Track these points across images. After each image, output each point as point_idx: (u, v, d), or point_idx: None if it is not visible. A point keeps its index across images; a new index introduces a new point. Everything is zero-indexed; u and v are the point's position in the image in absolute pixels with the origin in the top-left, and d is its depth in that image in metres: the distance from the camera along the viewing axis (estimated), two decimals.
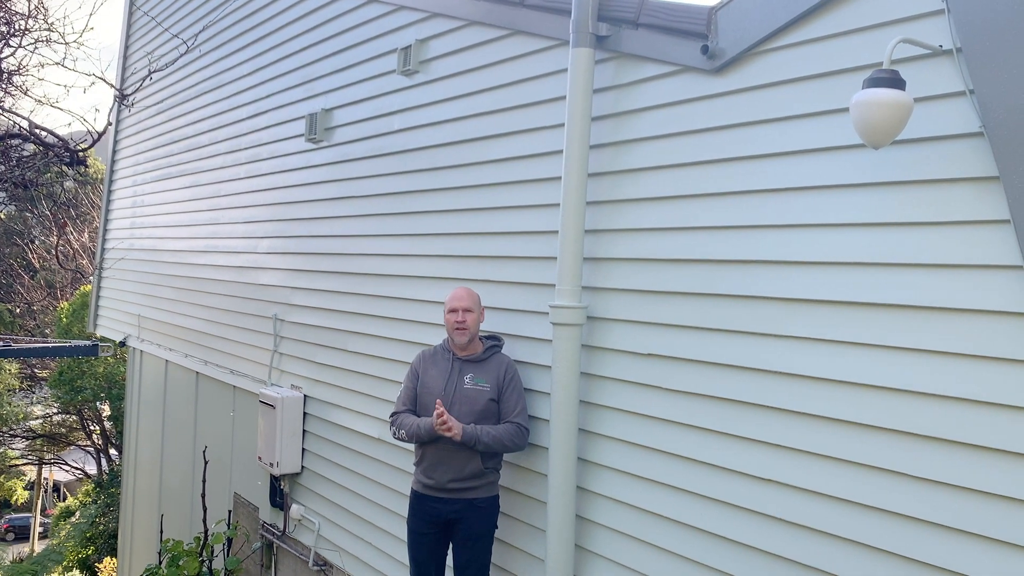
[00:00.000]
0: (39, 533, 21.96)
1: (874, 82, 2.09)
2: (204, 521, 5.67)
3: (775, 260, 2.62)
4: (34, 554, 18.27)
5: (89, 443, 19.64)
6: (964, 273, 2.17)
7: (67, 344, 9.90)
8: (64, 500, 23.96)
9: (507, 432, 3.37)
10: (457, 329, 3.49)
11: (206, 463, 6.03)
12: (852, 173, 2.41)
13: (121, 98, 7.01)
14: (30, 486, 24.41)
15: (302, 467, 5.31)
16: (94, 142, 5.84)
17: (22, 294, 20.37)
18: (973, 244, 2.15)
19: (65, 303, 17.76)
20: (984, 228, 2.13)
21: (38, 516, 22.49)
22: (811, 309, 2.51)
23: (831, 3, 2.47)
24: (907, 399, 2.27)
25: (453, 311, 3.50)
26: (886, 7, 2.33)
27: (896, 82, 2.08)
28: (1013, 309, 2.07)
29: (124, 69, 9.18)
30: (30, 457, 21.45)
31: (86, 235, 18.99)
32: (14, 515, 24.38)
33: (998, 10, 2.06)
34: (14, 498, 24.46)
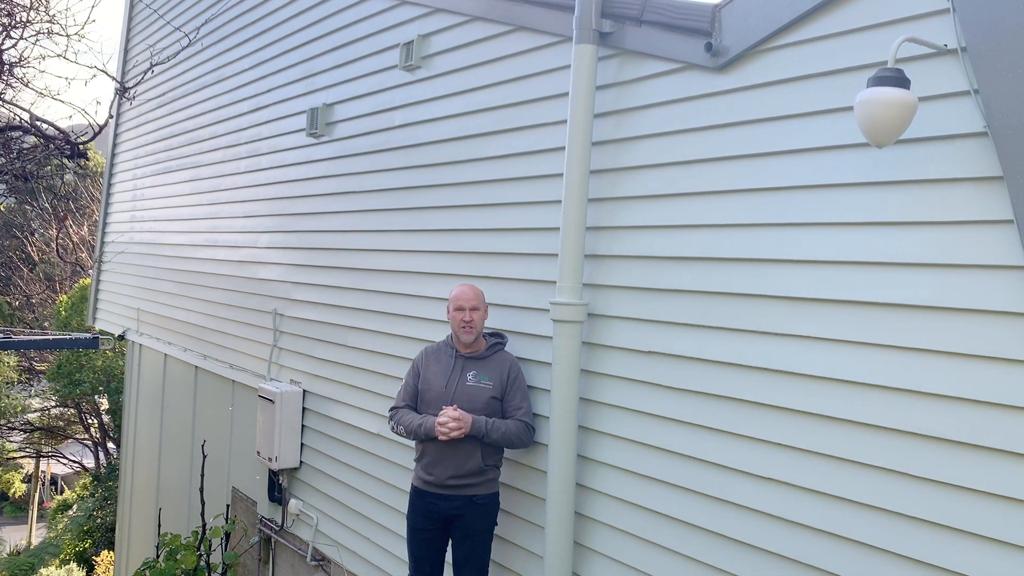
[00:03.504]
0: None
1: (879, 81, 2.08)
2: (202, 515, 5.67)
3: (777, 259, 2.62)
4: (31, 547, 18.26)
5: (87, 436, 19.63)
6: (967, 273, 2.16)
7: (67, 337, 9.89)
8: (62, 493, 23.95)
9: (516, 428, 3.38)
10: (463, 328, 3.49)
11: (204, 457, 6.02)
12: (855, 172, 2.41)
13: (122, 91, 6.99)
14: (28, 479, 24.40)
15: (301, 462, 5.31)
16: (95, 135, 5.83)
17: (21, 287, 20.34)
18: (976, 244, 2.14)
19: (64, 296, 17.74)
20: (987, 228, 2.12)
21: (35, 508, 22.48)
22: (813, 308, 2.51)
23: (835, 1, 2.46)
24: (909, 399, 2.27)
25: (460, 309, 3.49)
26: (891, 6, 2.33)
27: (901, 81, 2.07)
28: (1016, 309, 2.06)
29: (125, 62, 9.16)
30: (28, 450, 21.42)
31: (85, 228, 18.96)
32: None
33: (1003, 10, 2.05)
34: (11, 491, 24.45)
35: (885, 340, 2.32)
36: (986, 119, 2.09)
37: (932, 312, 2.23)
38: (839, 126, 2.44)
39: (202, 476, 5.92)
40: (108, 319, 9.43)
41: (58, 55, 5.75)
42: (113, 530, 12.31)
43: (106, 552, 13.79)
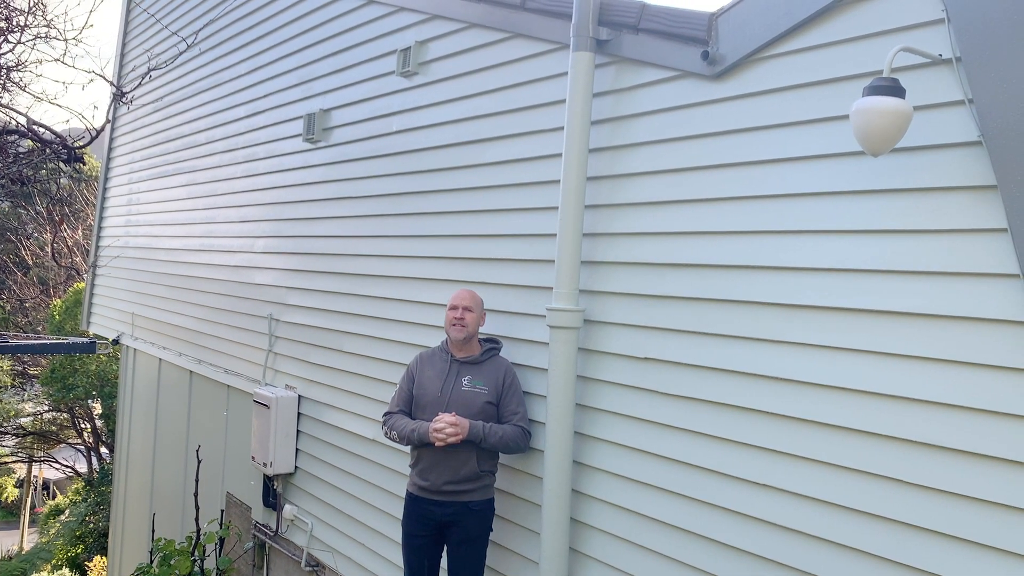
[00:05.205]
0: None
1: (874, 90, 2.10)
2: (196, 520, 5.66)
3: (773, 266, 2.63)
4: (23, 552, 18.16)
5: (80, 441, 19.53)
6: (961, 281, 2.18)
7: (64, 341, 9.86)
8: (54, 498, 23.82)
9: (513, 433, 3.38)
10: (454, 325, 3.49)
11: (199, 462, 6.01)
12: (851, 180, 2.42)
13: (119, 96, 6.99)
14: (20, 484, 24.27)
15: (295, 467, 5.30)
16: (92, 139, 5.83)
17: (15, 291, 20.26)
18: (970, 252, 2.16)
19: (58, 300, 17.67)
20: (981, 237, 2.14)
21: (26, 513, 22.36)
22: (808, 315, 2.52)
23: (832, 11, 2.48)
24: (902, 406, 2.28)
25: (453, 308, 3.51)
26: (887, 15, 2.35)
27: (896, 90, 2.09)
28: (1009, 317, 2.08)
29: (122, 66, 9.16)
30: (20, 455, 21.32)
31: (80, 232, 18.91)
32: None
33: (998, 20, 2.07)
34: (3, 495, 24.32)
35: (879, 347, 2.33)
36: (980, 128, 2.11)
37: (926, 319, 2.24)
38: (835, 134, 2.46)
39: (196, 481, 5.91)
40: (102, 323, 9.40)
41: (55, 59, 5.76)
42: (106, 535, 12.23)
43: (99, 558, 13.71)
